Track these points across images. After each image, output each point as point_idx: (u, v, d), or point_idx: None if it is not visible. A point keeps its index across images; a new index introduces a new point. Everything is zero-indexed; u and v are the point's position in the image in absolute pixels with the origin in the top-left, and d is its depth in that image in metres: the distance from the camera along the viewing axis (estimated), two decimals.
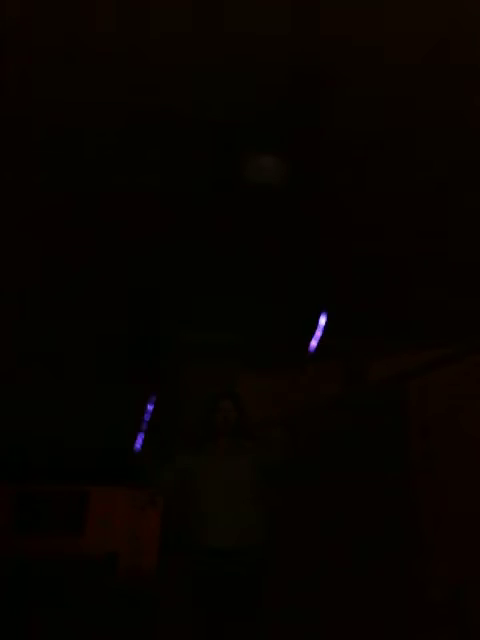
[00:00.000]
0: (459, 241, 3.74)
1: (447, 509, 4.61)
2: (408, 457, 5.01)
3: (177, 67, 2.45)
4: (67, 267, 4.28)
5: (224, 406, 3.26)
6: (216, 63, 2.40)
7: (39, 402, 5.10)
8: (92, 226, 3.71)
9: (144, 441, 5.04)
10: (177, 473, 3.20)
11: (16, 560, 4.86)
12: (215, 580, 2.90)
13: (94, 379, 5.30)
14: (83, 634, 3.58)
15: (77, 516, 5.29)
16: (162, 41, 2.31)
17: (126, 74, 2.48)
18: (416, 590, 4.54)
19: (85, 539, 5.21)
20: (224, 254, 3.98)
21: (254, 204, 3.39)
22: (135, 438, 5.10)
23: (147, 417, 5.45)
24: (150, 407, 5.46)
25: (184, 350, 5.40)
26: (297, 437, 3.44)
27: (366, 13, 2.13)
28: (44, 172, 3.17)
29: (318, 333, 3.18)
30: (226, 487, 3.05)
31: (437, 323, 4.79)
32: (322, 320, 3.45)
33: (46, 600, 4.30)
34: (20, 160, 3.07)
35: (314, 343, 3.19)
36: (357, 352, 5.45)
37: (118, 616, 3.97)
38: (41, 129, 2.82)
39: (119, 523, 5.20)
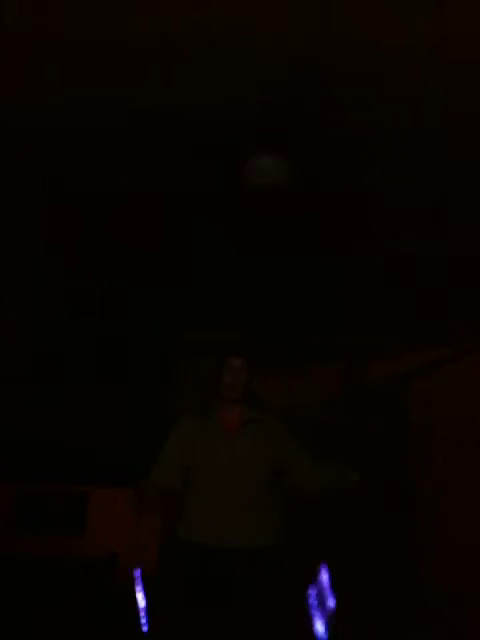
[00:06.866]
0: (459, 241, 3.75)
1: (447, 509, 4.61)
2: (408, 457, 5.01)
3: (177, 66, 2.45)
4: (67, 266, 4.29)
5: (234, 364, 2.56)
6: (216, 62, 2.40)
7: (39, 402, 5.12)
8: (92, 226, 3.71)
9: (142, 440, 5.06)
10: (179, 447, 2.59)
11: (16, 560, 4.86)
12: (214, 581, 2.48)
13: (94, 378, 5.32)
14: (83, 634, 3.58)
15: (77, 516, 5.28)
16: (162, 40, 2.31)
17: (125, 73, 2.48)
18: (416, 590, 4.54)
19: (85, 539, 5.21)
20: (224, 253, 3.98)
21: (254, 203, 3.39)
22: (135, 438, 5.11)
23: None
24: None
25: (185, 349, 5.41)
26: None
27: (368, 10, 2.13)
28: (43, 173, 3.17)
29: None
30: (234, 472, 2.47)
31: (437, 323, 4.79)
32: None
33: (46, 600, 4.30)
34: (19, 161, 3.07)
35: None
36: (357, 352, 5.45)
37: (118, 616, 3.97)
38: (40, 129, 2.82)
39: (119, 523, 5.20)
